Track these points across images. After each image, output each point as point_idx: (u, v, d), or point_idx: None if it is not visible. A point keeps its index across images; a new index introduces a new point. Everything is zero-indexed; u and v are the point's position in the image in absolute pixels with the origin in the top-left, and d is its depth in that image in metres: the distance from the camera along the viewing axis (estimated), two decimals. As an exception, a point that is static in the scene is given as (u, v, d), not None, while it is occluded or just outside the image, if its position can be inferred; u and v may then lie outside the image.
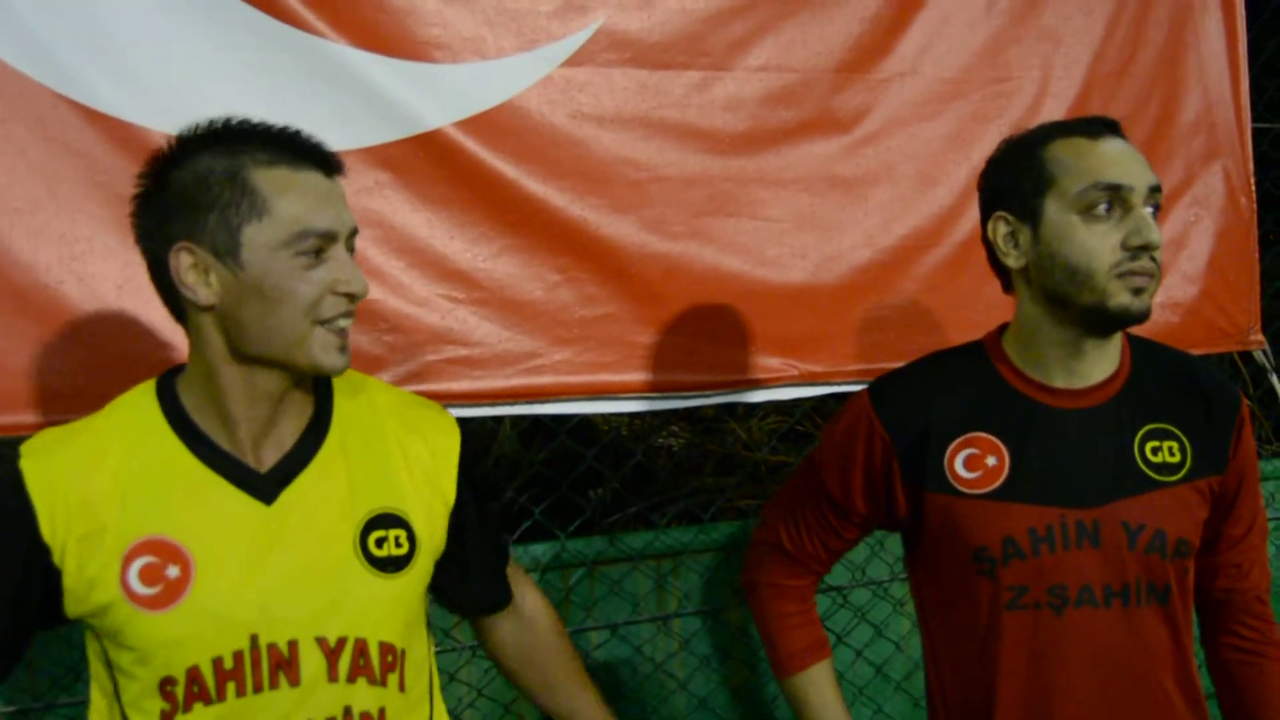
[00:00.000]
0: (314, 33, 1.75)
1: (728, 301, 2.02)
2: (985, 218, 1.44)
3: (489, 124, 1.86)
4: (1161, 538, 1.36)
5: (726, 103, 2.00)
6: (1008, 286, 1.45)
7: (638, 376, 1.96)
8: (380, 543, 1.23)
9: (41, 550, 1.12)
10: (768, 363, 2.04)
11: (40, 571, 1.13)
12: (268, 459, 1.20)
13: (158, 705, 1.14)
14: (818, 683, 1.56)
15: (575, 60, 1.91)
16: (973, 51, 2.16)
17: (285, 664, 1.16)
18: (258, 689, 1.15)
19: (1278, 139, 2.91)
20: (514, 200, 1.88)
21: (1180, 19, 2.33)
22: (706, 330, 2.00)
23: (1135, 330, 1.42)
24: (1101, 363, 1.40)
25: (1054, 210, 1.35)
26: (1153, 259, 1.31)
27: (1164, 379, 1.44)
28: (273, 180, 1.14)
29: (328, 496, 1.21)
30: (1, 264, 1.62)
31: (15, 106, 1.62)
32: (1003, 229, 1.40)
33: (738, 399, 2.08)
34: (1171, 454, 1.39)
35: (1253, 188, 2.41)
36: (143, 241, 1.18)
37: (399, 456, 1.28)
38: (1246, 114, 2.40)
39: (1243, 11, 2.39)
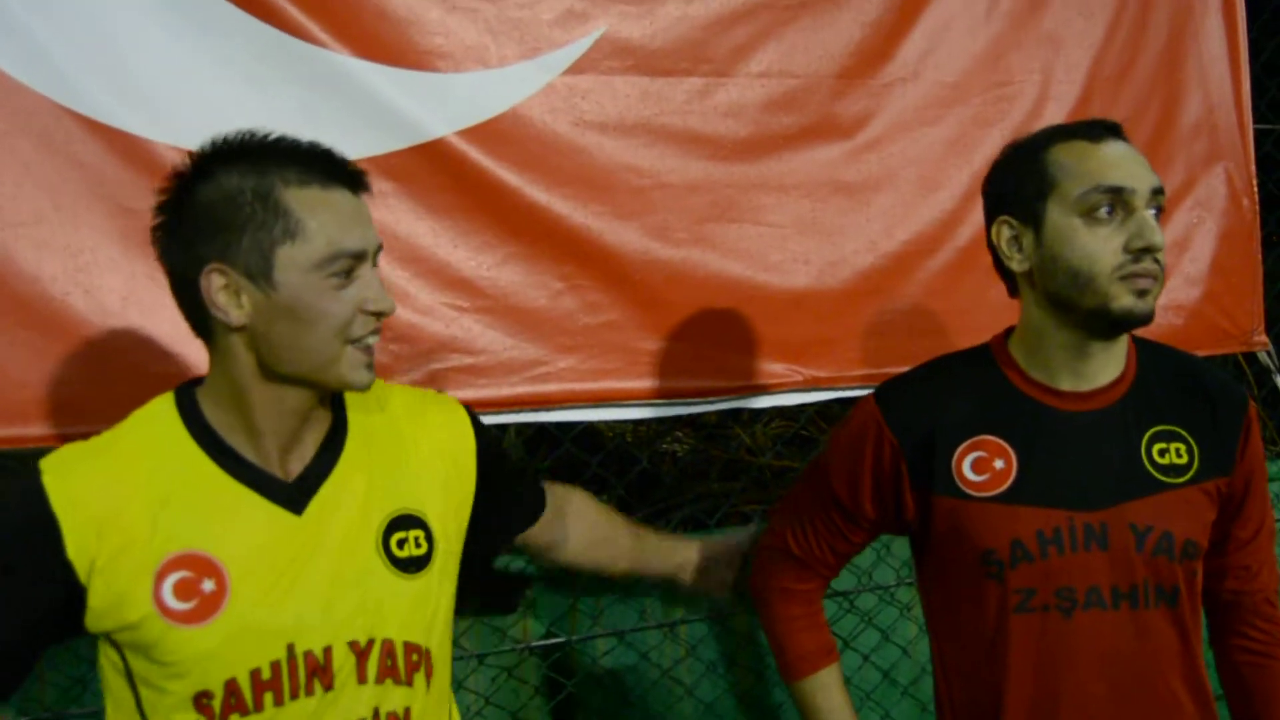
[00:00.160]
0: (316, 43, 1.75)
1: (731, 307, 2.02)
2: (989, 222, 1.44)
3: (492, 132, 1.86)
4: (1169, 539, 1.36)
5: (728, 109, 2.00)
6: (1013, 290, 1.45)
7: (642, 383, 1.96)
8: (401, 544, 1.24)
9: (66, 568, 1.12)
10: (772, 368, 2.04)
11: (63, 589, 1.12)
12: (293, 470, 1.21)
13: (190, 718, 1.14)
14: (826, 687, 1.56)
15: (577, 68, 1.91)
16: (974, 56, 2.16)
17: (320, 670, 1.17)
18: (294, 696, 1.16)
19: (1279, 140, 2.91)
20: (517, 208, 1.88)
21: (1180, 21, 2.33)
22: (710, 336, 2.00)
23: (1140, 332, 1.42)
24: (1108, 365, 1.40)
25: (1056, 214, 1.35)
26: (1156, 261, 1.31)
27: (1170, 381, 1.44)
28: (304, 201, 1.14)
29: (351, 502, 1.22)
30: (6, 276, 1.62)
31: (19, 119, 1.63)
32: (1006, 233, 1.41)
33: (742, 404, 2.09)
34: (1179, 455, 1.39)
35: (1255, 189, 2.41)
36: (167, 260, 1.18)
37: (415, 455, 1.29)
38: (1248, 115, 2.40)
39: (1243, 12, 2.39)
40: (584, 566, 1.62)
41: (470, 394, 1.85)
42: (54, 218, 1.65)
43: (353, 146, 1.79)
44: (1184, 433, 1.41)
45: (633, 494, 2.93)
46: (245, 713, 1.14)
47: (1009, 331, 1.48)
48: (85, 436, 1.47)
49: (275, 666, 1.15)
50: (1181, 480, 1.38)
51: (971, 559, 1.39)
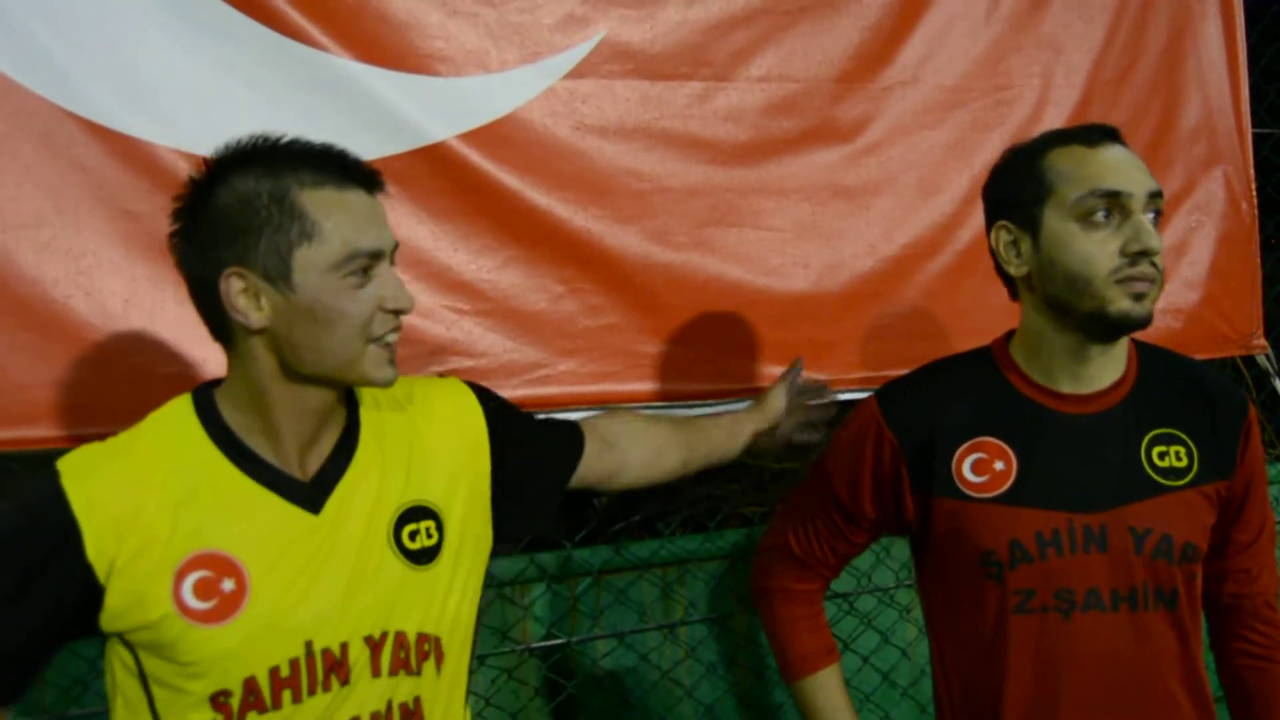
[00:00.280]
0: (318, 47, 1.76)
1: (731, 310, 2.02)
2: (989, 226, 1.45)
3: (493, 136, 1.87)
4: (1168, 542, 1.36)
5: (728, 113, 2.01)
6: (1013, 294, 1.46)
7: (642, 386, 1.97)
8: (413, 535, 1.24)
9: (86, 570, 1.12)
10: (772, 371, 2.04)
11: (81, 590, 1.13)
12: (310, 469, 1.22)
13: (206, 716, 1.15)
14: (826, 686, 1.57)
15: (578, 72, 1.91)
16: (973, 60, 2.17)
17: (337, 665, 1.18)
18: (311, 693, 1.16)
19: (1278, 144, 2.91)
20: (518, 212, 1.89)
21: (1180, 25, 2.33)
22: (710, 339, 2.01)
23: (1139, 335, 1.42)
24: (1108, 368, 1.41)
25: (1053, 218, 1.36)
26: (1153, 264, 1.31)
27: (1171, 384, 1.44)
28: (320, 202, 1.15)
29: (365, 499, 1.23)
30: (8, 279, 1.63)
31: (21, 122, 1.63)
32: (1005, 238, 1.42)
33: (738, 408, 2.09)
34: (1179, 459, 1.40)
35: (1254, 193, 2.42)
36: (185, 266, 1.18)
37: (424, 446, 1.29)
38: (1247, 120, 2.41)
39: (1242, 17, 2.40)
40: (653, 481, 1.60)
41: (471, 396, 1.86)
42: (55, 220, 1.65)
43: (353, 150, 1.79)
44: (1184, 436, 1.41)
45: (633, 495, 2.93)
46: (263, 710, 1.15)
47: (1010, 335, 1.48)
48: (87, 439, 1.47)
49: (294, 664, 1.16)
50: (1181, 483, 1.39)
51: (971, 560, 1.40)
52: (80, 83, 1.65)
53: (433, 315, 1.85)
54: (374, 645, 1.20)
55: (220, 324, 1.19)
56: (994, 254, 1.44)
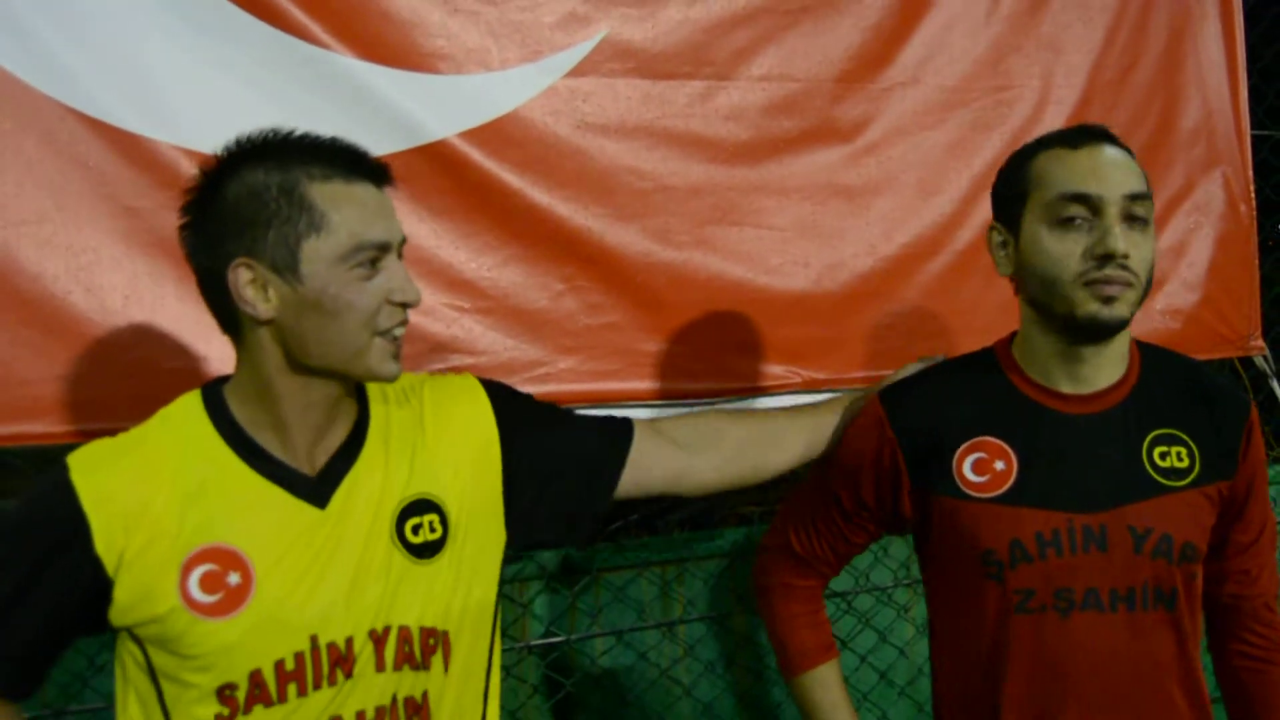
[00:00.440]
0: (320, 44, 1.76)
1: (731, 309, 2.02)
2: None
3: (494, 134, 1.87)
4: (1168, 542, 1.36)
5: (729, 112, 2.01)
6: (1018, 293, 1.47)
7: (642, 384, 1.97)
8: (416, 529, 1.25)
9: (95, 564, 1.13)
10: (771, 370, 2.05)
11: (91, 584, 1.14)
12: (319, 463, 1.22)
13: (213, 710, 1.15)
14: (825, 683, 1.57)
15: (579, 70, 1.92)
16: (974, 60, 2.17)
17: (341, 659, 1.18)
18: (316, 686, 1.17)
19: (1277, 146, 2.92)
20: (519, 210, 1.89)
21: (1179, 27, 2.34)
22: (710, 338, 2.01)
23: (1137, 336, 1.43)
24: (1106, 369, 1.41)
25: (1030, 220, 1.37)
26: (1124, 267, 1.30)
27: (1173, 384, 1.44)
28: (328, 194, 1.15)
29: (371, 492, 1.23)
30: (10, 274, 1.63)
31: (24, 119, 1.63)
32: (996, 239, 1.43)
33: (743, 406, 2.09)
34: (1180, 459, 1.39)
35: (1252, 194, 2.42)
36: (194, 257, 1.19)
37: (432, 442, 1.29)
38: (1246, 121, 2.41)
39: (1241, 19, 2.40)
40: (731, 484, 1.52)
41: (471, 394, 1.86)
42: (57, 217, 1.66)
43: (355, 147, 1.81)
44: (1185, 436, 1.41)
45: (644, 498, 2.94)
46: (269, 704, 1.15)
47: (1014, 335, 1.48)
48: (90, 434, 1.48)
49: (299, 658, 1.16)
50: (1182, 484, 1.39)
51: (971, 559, 1.40)
52: (83, 80, 1.66)
53: (433, 313, 1.86)
54: (377, 639, 1.20)
55: (228, 316, 1.19)
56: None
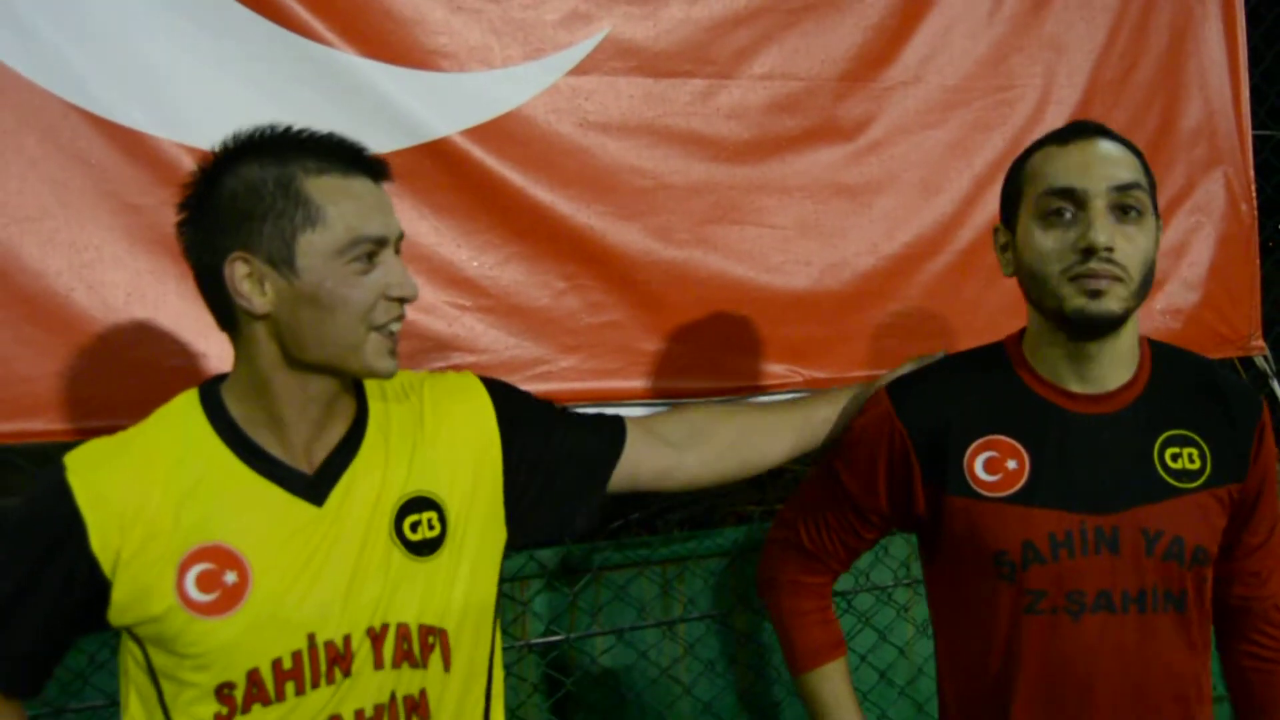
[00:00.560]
0: (322, 42, 1.76)
1: (732, 308, 2.02)
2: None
3: (495, 132, 1.87)
4: (1179, 545, 1.36)
5: (731, 111, 2.01)
6: None
7: (643, 383, 1.97)
8: (415, 526, 1.25)
9: (92, 564, 1.13)
10: (772, 369, 2.05)
11: (89, 584, 1.14)
12: (316, 460, 1.22)
13: (212, 709, 1.15)
14: (832, 680, 1.57)
15: (581, 69, 1.92)
16: (976, 60, 2.17)
17: (339, 657, 1.18)
18: (315, 685, 1.17)
19: (1278, 146, 2.92)
20: (520, 208, 1.89)
21: (1181, 27, 2.34)
22: (711, 337, 2.01)
23: (1155, 336, 1.42)
24: (1115, 368, 1.40)
25: (1023, 218, 1.37)
26: (1111, 260, 1.29)
27: (1185, 385, 1.43)
28: (325, 188, 1.16)
29: (369, 491, 1.23)
30: (11, 272, 1.63)
31: (26, 116, 1.63)
32: (999, 240, 1.44)
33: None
34: (1191, 460, 1.39)
35: (1253, 195, 2.42)
36: (192, 251, 1.19)
37: (432, 440, 1.29)
38: (1247, 121, 2.41)
39: (1243, 19, 2.40)
40: (720, 479, 1.54)
41: (472, 392, 1.86)
42: (59, 214, 1.66)
43: (357, 145, 1.81)
44: (1197, 437, 1.40)
45: (632, 493, 2.94)
46: (267, 702, 1.15)
47: (1024, 332, 1.47)
48: (91, 432, 1.48)
49: (296, 656, 1.16)
50: (1193, 485, 1.38)
51: (983, 559, 1.39)
52: (85, 77, 1.66)
53: (435, 311, 1.86)
54: (375, 637, 1.20)
55: (225, 311, 1.20)
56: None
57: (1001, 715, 1.40)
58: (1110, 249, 1.29)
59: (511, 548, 1.36)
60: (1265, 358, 2.46)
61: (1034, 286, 1.36)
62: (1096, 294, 1.30)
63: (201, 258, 1.18)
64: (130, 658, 1.19)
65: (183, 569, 1.14)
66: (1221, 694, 1.47)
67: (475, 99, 1.86)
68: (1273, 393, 2.52)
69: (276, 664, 1.16)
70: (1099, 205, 1.30)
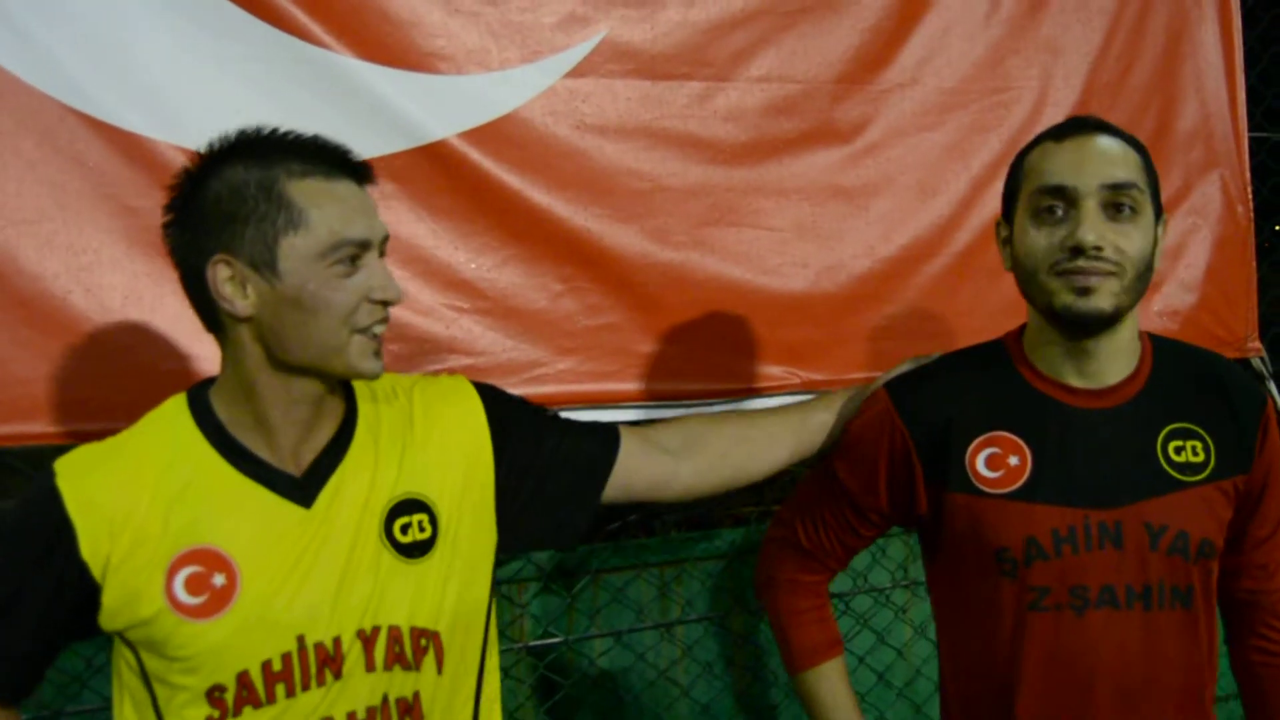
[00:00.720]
0: (319, 44, 1.76)
1: (730, 310, 2.03)
2: None
3: (493, 135, 1.87)
4: (1184, 539, 1.35)
5: (728, 113, 2.01)
6: None
7: (641, 385, 1.97)
8: (405, 529, 1.24)
9: (81, 569, 1.13)
10: (770, 371, 2.05)
11: (79, 589, 1.14)
12: (304, 462, 1.22)
13: (203, 712, 1.15)
14: (830, 679, 1.56)
15: (579, 71, 1.92)
16: (973, 62, 2.17)
17: (330, 660, 1.18)
18: (305, 687, 1.17)
19: (1275, 148, 2.93)
20: (518, 210, 1.89)
21: (1178, 29, 2.34)
22: (709, 339, 2.01)
23: (1162, 331, 1.42)
24: (1115, 363, 1.40)
25: (1018, 215, 1.38)
26: (1100, 257, 1.29)
27: (1188, 378, 1.43)
28: (307, 191, 1.16)
29: (358, 492, 1.23)
30: (9, 274, 1.63)
31: (24, 119, 1.64)
32: (1001, 233, 1.44)
33: (740, 407, 2.09)
34: (1195, 454, 1.38)
35: (1250, 197, 2.42)
36: (176, 254, 1.20)
37: (422, 442, 1.29)
38: (1243, 123, 2.42)
39: (1239, 21, 2.40)
40: (716, 488, 1.52)
41: (470, 395, 1.86)
42: (57, 216, 1.66)
43: (354, 147, 1.78)
44: (1201, 430, 1.39)
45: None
46: (258, 705, 1.15)
47: (1023, 328, 1.47)
48: (88, 434, 1.48)
49: (286, 658, 1.16)
50: (1198, 479, 1.37)
51: (986, 556, 1.39)
52: (83, 79, 1.66)
53: (432, 313, 1.86)
54: (366, 639, 1.20)
55: (210, 314, 1.20)
56: None
57: (1006, 713, 1.39)
58: (1099, 248, 1.29)
59: (504, 552, 1.36)
60: (1262, 359, 2.46)
61: (1023, 281, 1.37)
62: (1085, 291, 1.30)
63: (186, 259, 1.18)
64: (123, 662, 1.19)
65: (171, 572, 1.14)
66: (1229, 693, 1.46)
67: (473, 101, 1.86)
68: (1270, 394, 2.53)
69: (266, 666, 1.16)
70: (1090, 204, 1.30)
